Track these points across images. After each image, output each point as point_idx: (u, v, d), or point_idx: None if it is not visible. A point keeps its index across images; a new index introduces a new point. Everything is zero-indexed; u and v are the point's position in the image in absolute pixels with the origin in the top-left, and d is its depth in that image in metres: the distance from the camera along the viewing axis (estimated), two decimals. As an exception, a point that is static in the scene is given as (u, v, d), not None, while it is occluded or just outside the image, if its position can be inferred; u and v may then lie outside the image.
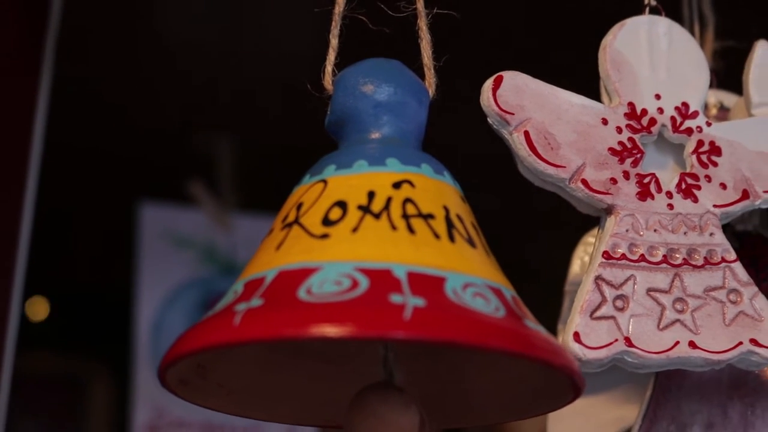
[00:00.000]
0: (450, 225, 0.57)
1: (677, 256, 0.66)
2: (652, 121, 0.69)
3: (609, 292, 0.64)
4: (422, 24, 0.66)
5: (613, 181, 0.66)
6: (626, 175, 0.67)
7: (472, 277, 0.54)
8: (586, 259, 0.83)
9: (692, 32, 0.90)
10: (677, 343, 0.64)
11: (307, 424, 0.67)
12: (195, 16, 1.71)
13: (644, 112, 0.69)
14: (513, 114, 0.65)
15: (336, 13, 0.66)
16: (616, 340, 0.63)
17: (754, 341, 0.65)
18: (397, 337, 0.49)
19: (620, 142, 0.68)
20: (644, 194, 0.67)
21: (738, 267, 0.67)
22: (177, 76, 1.85)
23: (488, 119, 0.66)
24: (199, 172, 1.98)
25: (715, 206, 0.68)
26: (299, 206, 0.58)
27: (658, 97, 0.70)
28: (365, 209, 0.56)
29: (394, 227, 0.55)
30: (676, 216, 0.67)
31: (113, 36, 1.74)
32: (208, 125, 1.98)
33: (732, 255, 0.67)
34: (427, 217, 0.56)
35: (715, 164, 0.69)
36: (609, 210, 0.67)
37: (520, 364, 0.60)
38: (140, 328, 1.95)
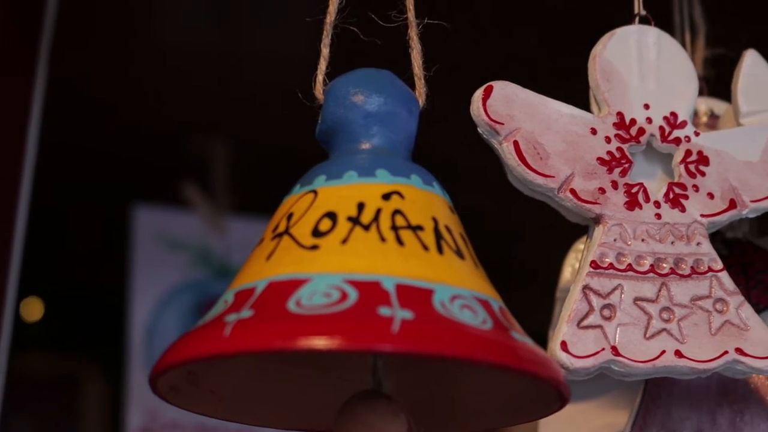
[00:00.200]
0: (439, 236, 0.57)
1: (664, 265, 0.67)
2: (641, 131, 0.69)
3: (596, 302, 0.65)
4: (413, 34, 0.67)
5: (602, 190, 0.67)
6: (614, 185, 0.67)
7: (460, 289, 0.55)
8: (577, 266, 0.83)
9: (683, 40, 0.91)
10: (663, 352, 0.65)
11: (297, 430, 0.68)
12: (191, 19, 1.71)
13: (633, 121, 0.69)
14: (503, 124, 0.66)
15: (327, 22, 0.66)
16: (603, 349, 0.64)
17: (739, 350, 0.66)
18: (385, 350, 0.50)
19: (609, 152, 0.68)
20: (632, 204, 0.68)
21: (725, 276, 0.68)
22: (172, 79, 1.85)
23: (478, 129, 0.66)
24: (194, 174, 1.98)
25: (702, 216, 0.69)
26: (289, 216, 0.59)
27: (647, 106, 0.70)
28: (355, 221, 0.57)
29: (383, 239, 0.56)
30: (664, 225, 0.68)
31: (109, 38, 1.74)
32: (203, 128, 1.99)
33: (719, 264, 0.68)
34: (416, 228, 0.57)
35: (702, 174, 0.70)
36: (597, 219, 0.67)
37: (508, 374, 0.60)
38: (134, 331, 1.96)
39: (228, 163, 2.02)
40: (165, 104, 1.91)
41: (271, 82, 1.77)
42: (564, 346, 0.63)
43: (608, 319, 0.65)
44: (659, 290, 0.66)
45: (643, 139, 0.69)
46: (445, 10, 0.66)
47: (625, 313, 0.65)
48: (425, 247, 0.56)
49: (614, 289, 0.66)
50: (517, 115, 0.66)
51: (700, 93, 0.81)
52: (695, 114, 0.83)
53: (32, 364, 2.79)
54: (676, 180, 0.69)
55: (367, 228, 0.56)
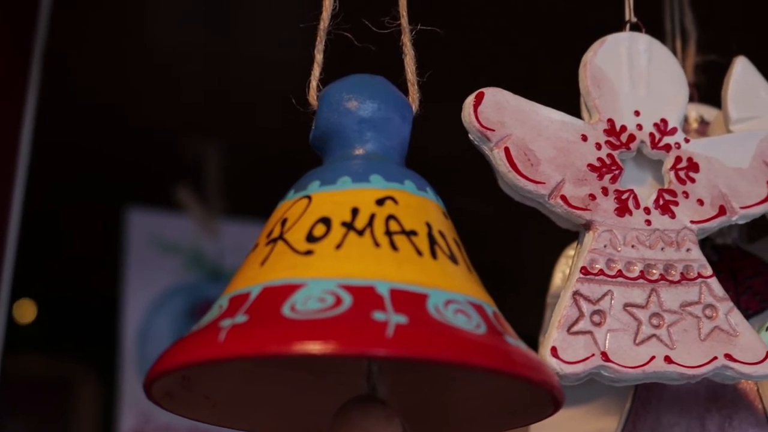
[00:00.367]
0: (432, 242, 0.58)
1: (654, 271, 0.67)
2: (631, 138, 0.70)
3: (586, 308, 0.65)
4: (406, 40, 0.67)
5: (592, 197, 0.68)
6: (605, 191, 0.68)
7: (454, 293, 0.55)
8: (567, 271, 0.84)
9: (674, 47, 0.91)
10: (653, 357, 0.65)
11: (291, 435, 0.68)
12: (186, 22, 1.72)
13: (623, 128, 0.70)
14: (494, 130, 0.66)
15: (321, 28, 0.67)
16: (593, 354, 0.64)
17: (729, 356, 0.66)
18: (379, 355, 0.50)
19: (599, 159, 0.69)
20: (622, 210, 0.68)
21: (714, 282, 0.68)
22: (166, 82, 1.85)
23: (469, 135, 0.67)
24: (187, 177, 1.99)
25: (692, 222, 0.69)
26: (284, 222, 0.59)
27: (637, 113, 0.71)
28: (349, 226, 0.57)
29: (377, 244, 0.56)
30: (654, 232, 0.68)
31: (103, 39, 1.74)
32: (197, 131, 1.99)
33: (708, 270, 0.69)
34: (410, 233, 0.57)
35: (692, 180, 0.70)
36: (587, 226, 0.68)
37: (502, 378, 0.61)
38: (127, 334, 1.96)
39: (221, 166, 2.03)
40: (159, 107, 1.92)
41: (266, 86, 1.77)
42: (554, 351, 0.64)
43: (598, 324, 0.65)
44: (649, 296, 0.67)
45: (633, 145, 0.70)
46: (437, 17, 0.67)
47: (615, 318, 0.66)
48: (419, 252, 0.57)
49: (604, 295, 0.66)
50: (508, 122, 0.67)
51: (691, 99, 0.82)
52: (686, 120, 0.83)
53: (25, 367, 2.78)
54: (666, 186, 0.70)
55: (361, 233, 0.57)
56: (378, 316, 0.51)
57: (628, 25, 0.74)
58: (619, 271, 0.67)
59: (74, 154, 2.05)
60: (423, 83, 0.67)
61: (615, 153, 0.69)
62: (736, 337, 0.67)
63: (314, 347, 0.49)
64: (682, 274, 0.68)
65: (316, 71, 0.66)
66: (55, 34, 1.26)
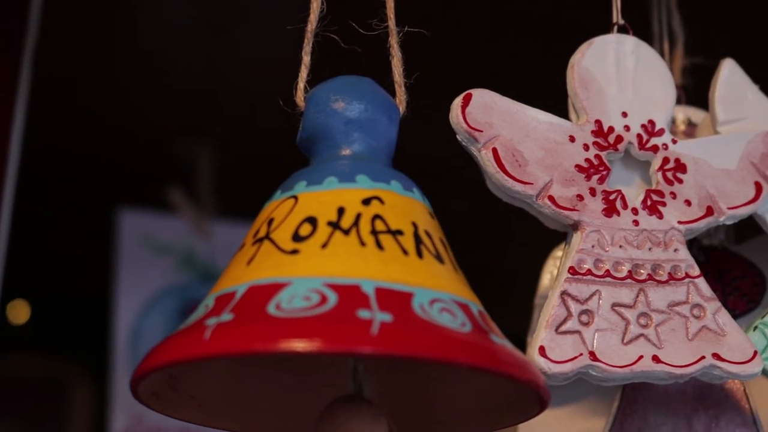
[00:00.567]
0: (418, 241, 0.58)
1: (642, 271, 0.68)
2: (619, 139, 0.70)
3: (574, 307, 0.66)
4: (393, 42, 0.67)
5: (580, 197, 0.68)
6: (592, 192, 0.68)
7: (440, 292, 0.56)
8: (556, 272, 0.84)
9: (662, 49, 0.91)
10: (641, 357, 0.65)
11: (278, 434, 0.68)
12: (178, 24, 1.72)
13: (611, 129, 0.70)
14: (481, 131, 0.66)
15: (308, 30, 0.67)
16: (581, 354, 0.64)
17: (716, 355, 0.67)
18: (364, 353, 0.50)
19: (587, 159, 0.69)
20: (610, 210, 0.68)
21: (702, 282, 0.69)
22: (158, 83, 1.85)
23: (457, 136, 0.67)
24: (179, 178, 1.98)
25: (679, 222, 0.70)
26: (270, 222, 0.59)
27: (624, 114, 0.71)
28: (335, 225, 0.57)
29: (363, 243, 0.56)
30: (642, 232, 0.69)
31: (94, 41, 1.74)
32: (189, 132, 1.99)
33: (696, 270, 0.69)
34: (396, 233, 0.58)
35: (680, 181, 0.71)
36: (575, 226, 0.68)
37: (488, 378, 0.61)
38: (119, 335, 1.96)
39: (213, 167, 2.03)
40: (151, 108, 1.92)
41: (258, 87, 1.77)
42: (542, 351, 0.64)
43: (586, 324, 0.65)
44: (637, 296, 0.67)
45: (621, 146, 0.70)
46: (425, 19, 0.67)
47: (603, 318, 0.66)
48: (405, 252, 0.57)
49: (592, 294, 0.66)
50: (496, 123, 0.67)
51: (679, 101, 0.82)
52: (673, 122, 0.83)
53: (17, 367, 2.78)
54: (653, 187, 0.70)
55: (346, 232, 0.57)
56: (363, 314, 0.51)
57: (615, 27, 0.75)
58: (607, 271, 0.67)
59: (66, 155, 2.05)
60: (410, 84, 0.67)
61: (603, 154, 0.69)
62: (723, 337, 0.67)
63: (299, 345, 0.49)
64: (669, 274, 0.68)
65: (304, 73, 0.67)
66: (47, 35, 1.26)
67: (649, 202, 0.70)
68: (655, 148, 0.71)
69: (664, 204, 0.70)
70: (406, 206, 0.60)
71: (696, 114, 0.86)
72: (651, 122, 0.71)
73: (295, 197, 0.60)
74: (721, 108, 0.75)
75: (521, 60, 1.66)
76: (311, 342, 0.50)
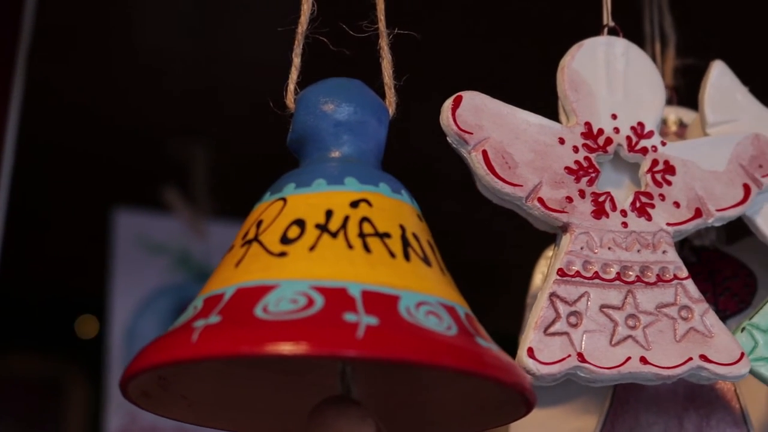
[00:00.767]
0: (406, 244, 0.58)
1: (630, 273, 0.68)
2: (608, 141, 0.70)
3: (563, 309, 0.66)
4: (383, 44, 0.68)
5: (569, 199, 0.68)
6: (582, 194, 0.68)
7: (426, 295, 0.56)
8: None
9: (653, 50, 0.92)
10: (629, 358, 0.66)
11: (268, 434, 0.69)
12: (173, 24, 1.72)
13: (600, 131, 0.70)
14: (471, 133, 0.67)
15: (299, 32, 0.67)
16: (569, 355, 0.65)
17: (704, 357, 0.67)
18: (349, 356, 0.51)
19: (576, 161, 0.69)
20: (599, 212, 0.69)
21: (690, 284, 0.69)
22: (153, 82, 1.85)
23: (448, 138, 0.67)
24: (174, 178, 1.98)
25: (668, 224, 0.70)
26: (259, 224, 0.59)
27: (614, 117, 0.71)
28: (323, 228, 0.57)
29: (350, 246, 0.57)
30: (630, 234, 0.69)
31: (89, 40, 1.74)
32: (184, 132, 1.99)
33: (684, 272, 0.69)
34: (384, 236, 0.58)
35: (669, 183, 0.71)
36: (564, 228, 0.68)
37: (475, 380, 0.61)
38: (114, 334, 1.96)
39: (208, 166, 2.03)
40: (146, 108, 1.92)
41: (253, 87, 1.77)
42: (530, 352, 0.64)
43: (574, 326, 0.66)
44: (625, 297, 0.67)
45: (610, 148, 0.70)
46: (415, 21, 0.67)
47: (591, 320, 0.66)
48: (392, 254, 0.57)
49: (581, 296, 0.67)
50: (486, 125, 0.67)
51: (670, 102, 0.82)
52: (664, 123, 0.84)
53: (13, 367, 2.78)
54: (642, 189, 0.70)
55: (334, 235, 0.57)
56: (349, 317, 0.51)
57: (605, 29, 0.75)
58: (596, 272, 0.67)
59: (62, 154, 2.05)
60: (400, 87, 0.67)
61: (592, 156, 0.70)
62: (711, 338, 0.68)
63: (285, 348, 0.50)
64: (658, 275, 0.68)
65: (294, 74, 0.67)
66: (41, 34, 1.27)
67: (638, 204, 0.70)
68: (644, 150, 0.71)
69: (652, 206, 0.70)
70: (394, 209, 0.60)
71: (687, 115, 0.86)
72: (640, 124, 0.72)
73: (284, 199, 0.60)
74: (710, 110, 0.75)
75: (511, 62, 1.66)
76: (297, 345, 0.50)
